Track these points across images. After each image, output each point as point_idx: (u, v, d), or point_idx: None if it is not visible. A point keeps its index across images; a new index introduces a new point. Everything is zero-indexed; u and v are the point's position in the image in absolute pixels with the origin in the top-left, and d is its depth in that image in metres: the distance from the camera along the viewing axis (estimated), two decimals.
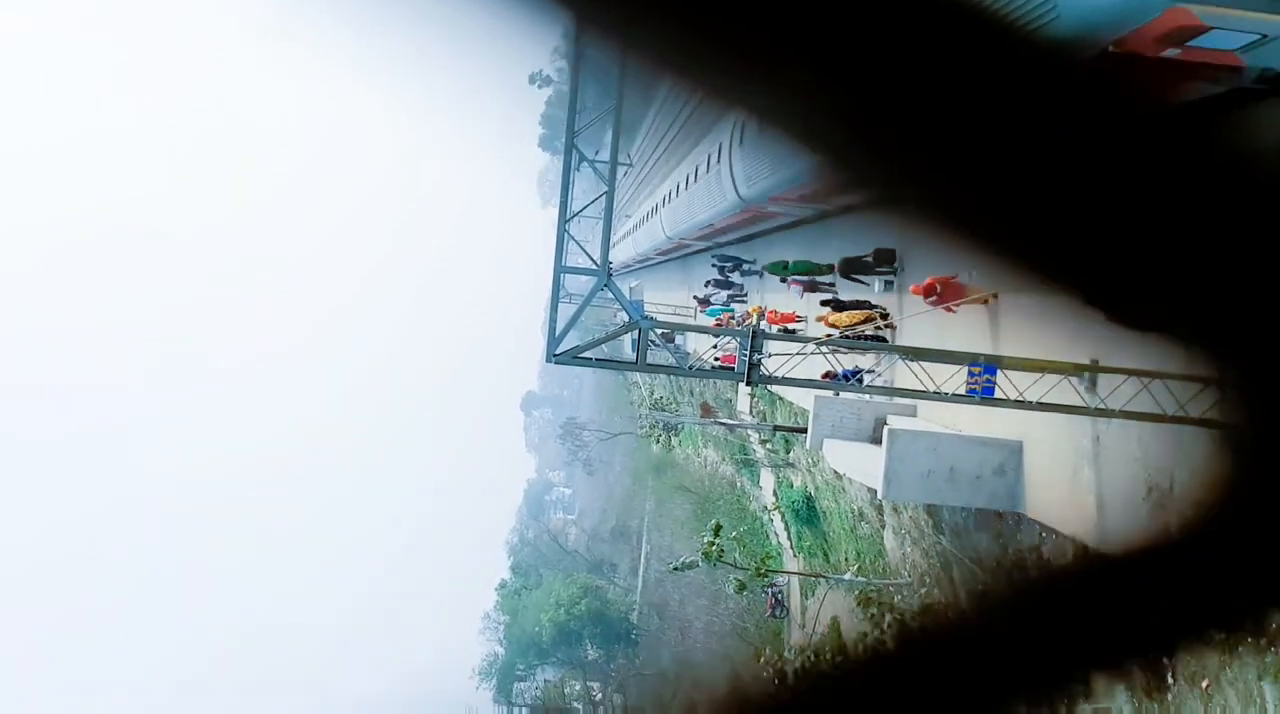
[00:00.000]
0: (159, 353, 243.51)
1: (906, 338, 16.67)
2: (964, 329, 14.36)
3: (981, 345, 13.91)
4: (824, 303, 19.95)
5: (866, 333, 17.68)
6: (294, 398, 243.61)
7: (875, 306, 18.37)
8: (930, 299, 14.44)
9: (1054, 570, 1.57)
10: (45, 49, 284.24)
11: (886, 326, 17.92)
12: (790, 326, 22.80)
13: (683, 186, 26.57)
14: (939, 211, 1.20)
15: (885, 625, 16.41)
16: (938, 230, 1.21)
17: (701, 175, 23.23)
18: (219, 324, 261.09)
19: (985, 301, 14.05)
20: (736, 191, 19.71)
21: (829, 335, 17.04)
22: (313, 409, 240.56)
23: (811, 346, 12.08)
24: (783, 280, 23.36)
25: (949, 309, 14.43)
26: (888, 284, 17.88)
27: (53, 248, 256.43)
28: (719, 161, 20.57)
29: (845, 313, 18.61)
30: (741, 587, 29.36)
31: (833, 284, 21.40)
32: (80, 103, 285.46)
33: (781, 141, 1.12)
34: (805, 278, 22.04)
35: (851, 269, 18.48)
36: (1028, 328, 13.34)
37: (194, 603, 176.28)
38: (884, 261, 17.82)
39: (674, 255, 41.45)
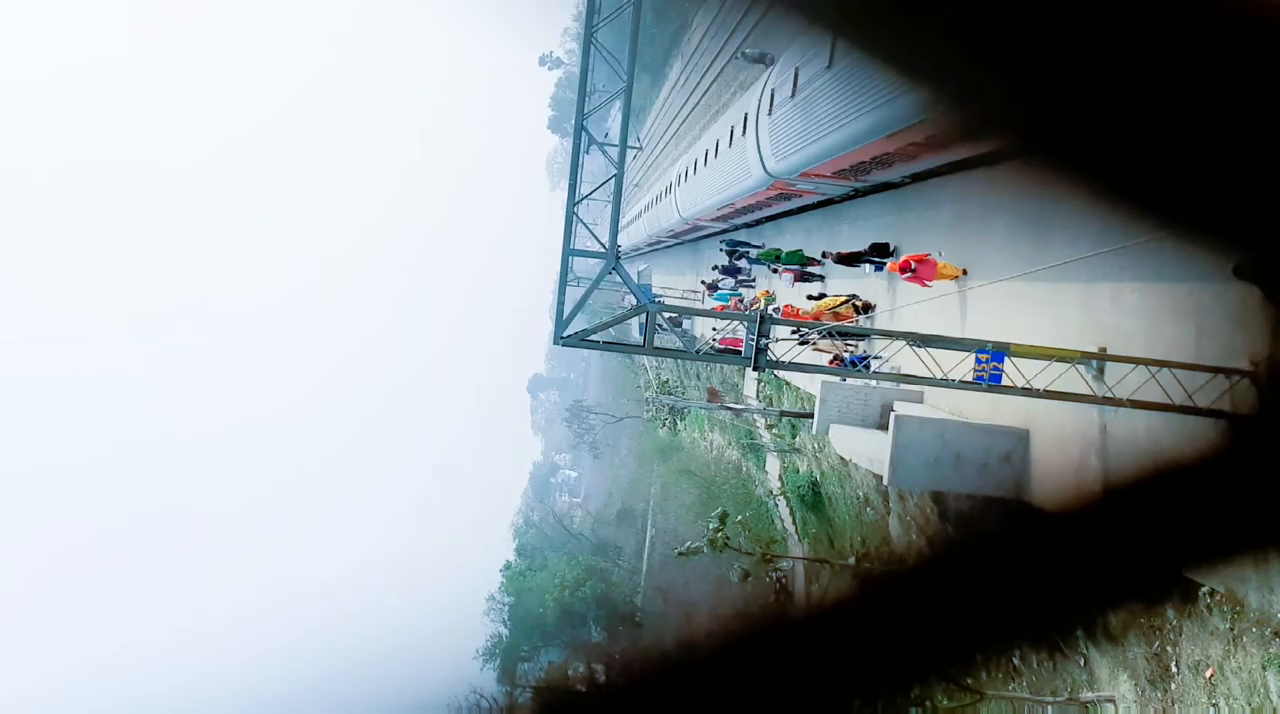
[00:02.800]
0: (154, 298, 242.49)
1: (897, 324, 16.80)
2: (939, 312, 14.84)
3: (954, 322, 14.19)
4: (809, 298, 20.99)
5: (844, 313, 18.47)
6: (302, 390, 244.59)
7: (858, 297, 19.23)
8: (906, 275, 15.40)
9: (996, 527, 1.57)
10: None
11: (864, 309, 18.58)
12: None
13: (658, 199, 39.19)
14: (1072, 161, 1.10)
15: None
16: (1065, 180, 1.13)
17: (662, 199, 37.57)
18: (219, 270, 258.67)
19: (956, 277, 14.98)
20: (679, 214, 33.23)
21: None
22: (319, 400, 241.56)
23: (813, 334, 12.04)
24: (774, 270, 23.74)
25: (923, 284, 15.25)
26: (878, 267, 18.51)
27: (36, 180, 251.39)
28: (668, 194, 34.92)
29: (826, 299, 19.70)
30: (746, 575, 29.46)
31: (822, 275, 21.99)
32: (52, 25, 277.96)
33: (879, 71, 1.03)
34: (796, 267, 22.46)
35: (845, 259, 19.17)
36: (996, 305, 13.75)
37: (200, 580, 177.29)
38: (879, 254, 18.43)
39: (663, 244, 46.05)
